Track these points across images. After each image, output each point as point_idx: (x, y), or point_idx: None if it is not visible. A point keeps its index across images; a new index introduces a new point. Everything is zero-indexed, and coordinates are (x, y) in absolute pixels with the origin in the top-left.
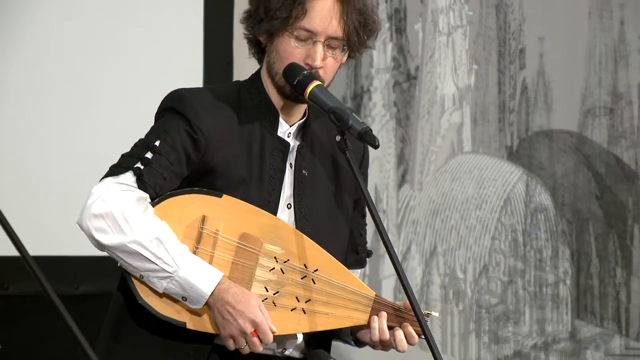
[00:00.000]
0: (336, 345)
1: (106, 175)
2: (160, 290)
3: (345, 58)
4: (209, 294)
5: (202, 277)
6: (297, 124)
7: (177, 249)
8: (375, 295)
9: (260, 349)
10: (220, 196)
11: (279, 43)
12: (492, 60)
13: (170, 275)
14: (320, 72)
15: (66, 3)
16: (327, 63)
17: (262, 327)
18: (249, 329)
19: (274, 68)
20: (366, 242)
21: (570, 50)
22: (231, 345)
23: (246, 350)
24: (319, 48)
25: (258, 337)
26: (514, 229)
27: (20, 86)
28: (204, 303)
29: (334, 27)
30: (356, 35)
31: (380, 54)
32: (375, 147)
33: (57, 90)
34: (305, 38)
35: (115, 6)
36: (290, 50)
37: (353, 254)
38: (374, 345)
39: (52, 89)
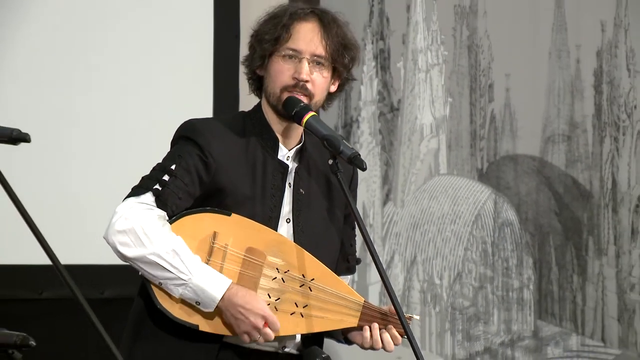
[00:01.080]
0: (328, 342)
1: (128, 196)
2: (177, 296)
3: (333, 88)
4: (220, 299)
5: (213, 283)
6: (294, 149)
7: (191, 259)
8: (364, 301)
9: (272, 337)
10: (229, 215)
11: (271, 66)
12: (464, 94)
13: (185, 282)
14: (309, 85)
15: (83, 46)
16: (314, 78)
17: (271, 319)
18: (260, 323)
19: (268, 90)
20: (356, 252)
21: (532, 85)
22: (247, 339)
23: (261, 340)
24: (305, 63)
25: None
26: (484, 241)
27: (54, 101)
28: (215, 307)
29: (317, 45)
30: (338, 54)
31: (367, 88)
32: (363, 169)
33: (85, 115)
34: (292, 56)
35: (136, 49)
36: (280, 69)
37: (344, 262)
38: (363, 346)
39: (79, 114)
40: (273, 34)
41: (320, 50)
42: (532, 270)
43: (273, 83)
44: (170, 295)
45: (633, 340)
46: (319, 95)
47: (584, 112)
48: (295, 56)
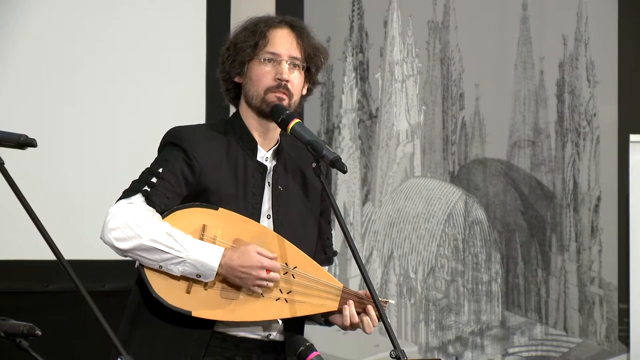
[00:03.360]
0: (309, 332)
1: (120, 198)
2: (178, 274)
3: (304, 90)
4: (217, 266)
5: (208, 254)
6: (272, 150)
7: (184, 238)
8: (343, 287)
9: (278, 277)
10: (216, 209)
11: (251, 71)
12: (437, 102)
13: (183, 259)
14: (289, 85)
15: (79, 55)
16: (292, 78)
17: (270, 265)
18: (263, 273)
19: (250, 94)
20: (332, 244)
21: (500, 94)
22: (259, 290)
23: (270, 285)
24: (284, 64)
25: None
26: (455, 238)
27: (54, 105)
28: (215, 275)
29: (294, 48)
30: (312, 56)
31: (348, 97)
32: (344, 172)
33: (86, 119)
34: (272, 60)
35: (134, 59)
36: (261, 72)
37: (322, 254)
38: (344, 328)
39: (81, 118)
40: (251, 41)
41: (296, 52)
42: (499, 265)
43: (256, 86)
44: (164, 284)
45: (593, 330)
46: (297, 95)
47: (548, 119)
48: (274, 59)
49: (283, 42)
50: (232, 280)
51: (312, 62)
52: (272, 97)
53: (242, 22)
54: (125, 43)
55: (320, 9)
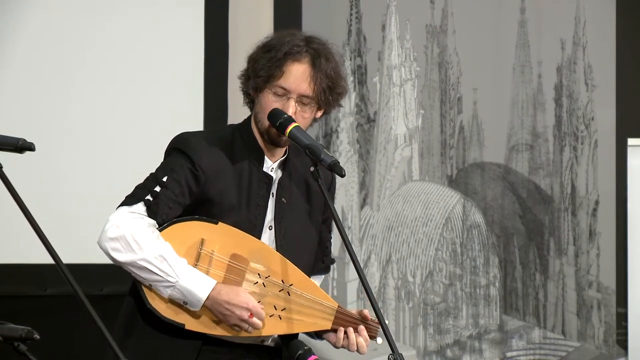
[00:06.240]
0: (305, 336)
1: (122, 204)
2: (166, 297)
3: (318, 114)
4: (205, 298)
5: (198, 285)
6: (279, 161)
7: (178, 263)
8: (338, 306)
9: (260, 325)
10: (216, 223)
11: (262, 97)
12: (435, 106)
13: (173, 284)
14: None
15: (78, 59)
16: (298, 116)
17: (255, 310)
18: (246, 314)
19: (257, 117)
20: (331, 253)
21: (498, 98)
22: (237, 330)
23: (250, 330)
24: (292, 103)
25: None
26: (454, 241)
27: (52, 107)
28: (201, 306)
29: (305, 87)
30: (324, 96)
31: (346, 101)
32: (342, 176)
33: (84, 123)
34: (281, 94)
35: (133, 64)
36: (269, 103)
37: (320, 263)
38: (335, 345)
39: (78, 121)
40: (267, 71)
41: (307, 91)
42: (497, 269)
43: (262, 114)
44: (159, 296)
45: (591, 334)
46: (304, 127)
47: (546, 123)
48: (285, 94)
49: (296, 78)
50: (215, 314)
51: (324, 101)
52: (273, 131)
53: (270, 35)
54: (123, 45)
55: (318, 13)
